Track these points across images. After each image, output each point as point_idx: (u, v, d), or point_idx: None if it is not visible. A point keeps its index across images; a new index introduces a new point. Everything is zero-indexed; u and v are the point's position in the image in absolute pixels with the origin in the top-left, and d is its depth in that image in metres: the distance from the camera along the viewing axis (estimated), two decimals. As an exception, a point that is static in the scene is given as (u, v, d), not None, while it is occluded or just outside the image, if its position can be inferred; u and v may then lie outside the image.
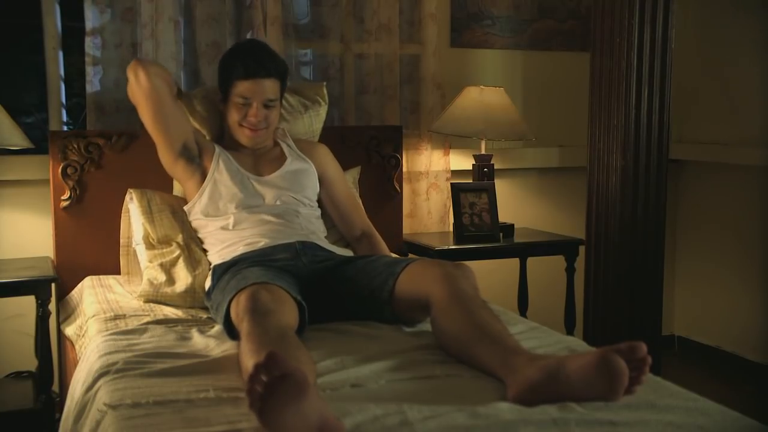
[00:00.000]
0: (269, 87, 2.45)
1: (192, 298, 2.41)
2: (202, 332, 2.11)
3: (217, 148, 2.50)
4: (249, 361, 1.64)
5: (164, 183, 2.66)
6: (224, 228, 2.41)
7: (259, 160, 2.54)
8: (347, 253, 2.50)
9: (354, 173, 2.95)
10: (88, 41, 2.88)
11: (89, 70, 2.90)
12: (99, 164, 2.76)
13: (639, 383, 1.59)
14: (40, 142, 2.82)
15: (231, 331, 2.01)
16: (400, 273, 2.14)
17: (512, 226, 3.28)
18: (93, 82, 2.90)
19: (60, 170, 2.72)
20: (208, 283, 2.34)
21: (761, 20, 3.54)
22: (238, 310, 1.92)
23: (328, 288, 2.25)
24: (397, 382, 1.71)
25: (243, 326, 1.84)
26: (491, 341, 1.78)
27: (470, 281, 2.02)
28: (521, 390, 1.59)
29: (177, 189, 2.66)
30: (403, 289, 2.11)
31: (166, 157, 2.46)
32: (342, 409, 1.50)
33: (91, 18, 2.88)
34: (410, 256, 3.04)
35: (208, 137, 2.61)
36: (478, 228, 3.13)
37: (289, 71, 2.61)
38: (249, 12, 3.06)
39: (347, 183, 2.76)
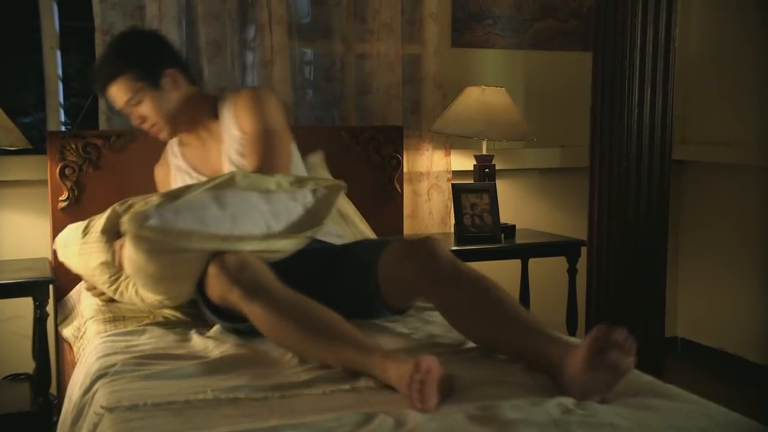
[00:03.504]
0: (116, 94, 2.38)
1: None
2: (200, 333, 2.10)
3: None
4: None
5: (163, 183, 2.65)
6: None
7: (206, 153, 2.48)
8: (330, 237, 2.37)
9: (319, 157, 2.89)
10: (98, 39, 2.85)
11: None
12: (97, 165, 2.75)
13: (631, 354, 1.61)
14: (38, 143, 2.80)
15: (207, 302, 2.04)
16: (378, 264, 2.09)
17: (513, 226, 3.27)
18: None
19: (58, 171, 2.71)
20: None
21: (763, 20, 3.53)
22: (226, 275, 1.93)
23: (320, 294, 2.20)
24: (398, 384, 1.69)
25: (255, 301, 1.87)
26: (520, 326, 1.79)
27: (444, 249, 1.99)
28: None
29: None
30: (386, 280, 2.09)
31: None
32: (341, 409, 1.48)
33: (99, 15, 2.85)
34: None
35: None
36: (479, 229, 3.12)
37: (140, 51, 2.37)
38: (252, 10, 3.05)
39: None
